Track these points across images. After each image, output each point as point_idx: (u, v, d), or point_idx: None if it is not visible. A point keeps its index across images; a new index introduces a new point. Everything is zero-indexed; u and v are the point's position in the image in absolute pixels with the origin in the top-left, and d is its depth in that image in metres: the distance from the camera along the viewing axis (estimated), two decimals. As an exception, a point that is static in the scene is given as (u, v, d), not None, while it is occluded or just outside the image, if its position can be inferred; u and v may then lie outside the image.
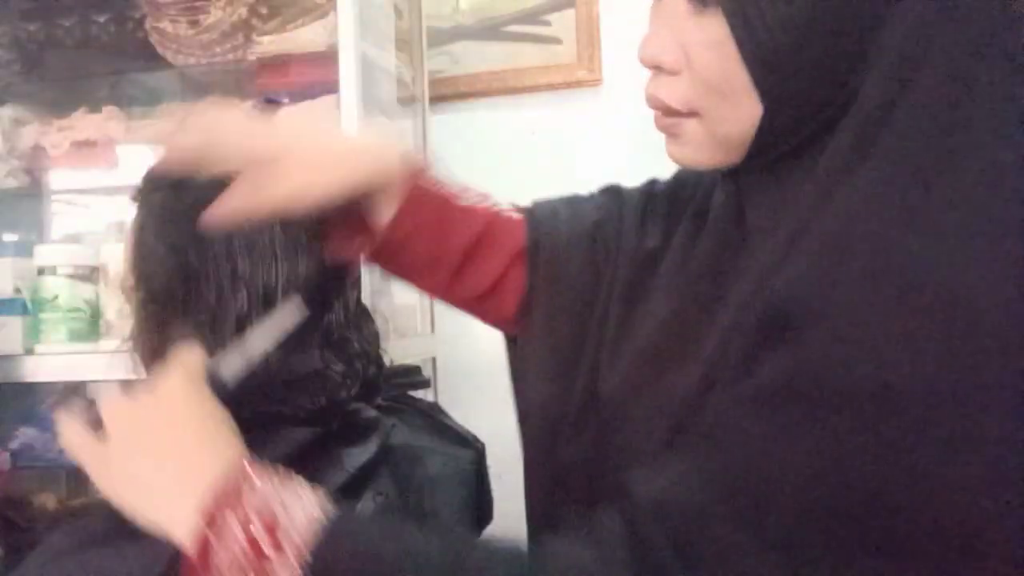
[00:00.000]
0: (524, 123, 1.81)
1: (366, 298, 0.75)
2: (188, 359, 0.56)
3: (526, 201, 0.76)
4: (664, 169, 1.79)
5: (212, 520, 0.48)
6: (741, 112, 0.50)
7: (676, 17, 0.52)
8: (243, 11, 1.37)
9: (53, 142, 1.47)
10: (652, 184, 0.73)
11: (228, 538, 0.47)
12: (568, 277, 0.68)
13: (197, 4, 1.38)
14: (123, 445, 0.53)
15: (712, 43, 0.50)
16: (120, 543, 0.54)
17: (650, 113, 0.56)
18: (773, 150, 0.52)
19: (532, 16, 1.80)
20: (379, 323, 0.73)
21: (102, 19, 1.53)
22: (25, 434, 1.46)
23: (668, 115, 0.55)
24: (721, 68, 0.50)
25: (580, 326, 0.67)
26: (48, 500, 1.50)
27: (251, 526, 0.47)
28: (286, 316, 0.60)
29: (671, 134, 0.56)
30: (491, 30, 1.84)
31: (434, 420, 0.77)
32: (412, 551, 0.47)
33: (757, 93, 0.49)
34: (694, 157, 0.56)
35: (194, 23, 1.38)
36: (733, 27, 0.48)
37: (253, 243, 0.62)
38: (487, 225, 0.68)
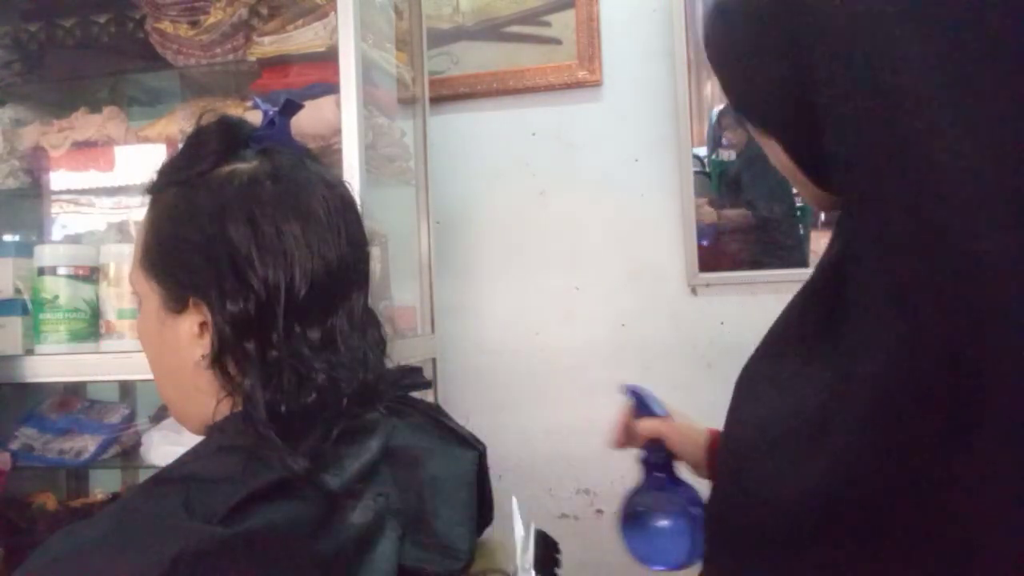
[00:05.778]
0: (524, 123, 1.81)
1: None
2: None
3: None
4: (662, 169, 1.78)
5: None
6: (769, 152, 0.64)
7: None
8: (243, 12, 1.37)
9: (53, 142, 1.47)
10: None
11: None
12: None
13: (197, 5, 1.38)
14: None
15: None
16: (120, 544, 0.54)
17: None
18: (823, 183, 0.59)
19: (532, 16, 1.81)
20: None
21: (102, 19, 1.53)
22: (25, 434, 1.46)
23: None
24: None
25: None
26: (48, 500, 1.50)
27: None
28: None
29: None
30: (491, 31, 1.84)
31: (436, 421, 0.77)
32: None
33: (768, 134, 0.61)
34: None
35: (194, 24, 1.38)
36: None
37: (267, 240, 0.62)
38: None
